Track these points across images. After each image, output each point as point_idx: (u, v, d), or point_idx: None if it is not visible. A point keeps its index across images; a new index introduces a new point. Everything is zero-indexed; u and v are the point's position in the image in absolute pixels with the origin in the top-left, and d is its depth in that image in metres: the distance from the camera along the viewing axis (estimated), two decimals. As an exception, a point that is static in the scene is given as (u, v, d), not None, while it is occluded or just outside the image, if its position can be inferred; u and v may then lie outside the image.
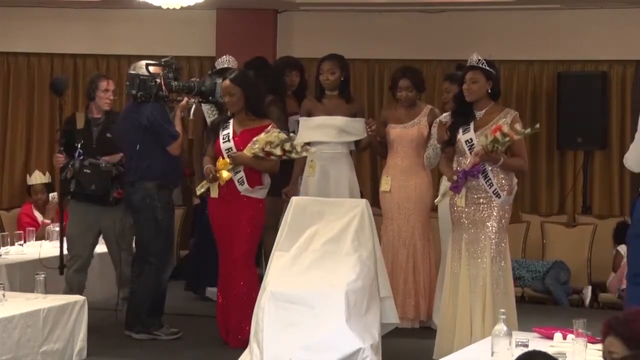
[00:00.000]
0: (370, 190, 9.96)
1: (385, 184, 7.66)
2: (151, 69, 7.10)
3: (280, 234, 6.42)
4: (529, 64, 10.29)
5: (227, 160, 6.89)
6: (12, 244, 7.79)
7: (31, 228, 8.49)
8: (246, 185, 6.90)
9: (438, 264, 7.54)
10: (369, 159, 10.27)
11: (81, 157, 7.45)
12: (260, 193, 7.00)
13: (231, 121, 7.03)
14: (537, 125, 6.48)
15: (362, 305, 5.99)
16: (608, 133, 9.94)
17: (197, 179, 7.91)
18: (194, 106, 7.28)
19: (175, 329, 7.17)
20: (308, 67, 8.77)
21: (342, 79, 7.59)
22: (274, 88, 7.81)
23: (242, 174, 6.90)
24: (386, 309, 6.36)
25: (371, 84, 10.60)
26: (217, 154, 7.00)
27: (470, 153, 6.31)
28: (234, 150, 6.92)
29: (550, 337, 5.08)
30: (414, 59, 9.91)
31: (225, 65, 8.26)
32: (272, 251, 6.40)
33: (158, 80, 7.01)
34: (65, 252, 7.58)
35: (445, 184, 7.29)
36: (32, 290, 6.34)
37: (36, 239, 8.32)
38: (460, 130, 6.39)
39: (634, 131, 5.75)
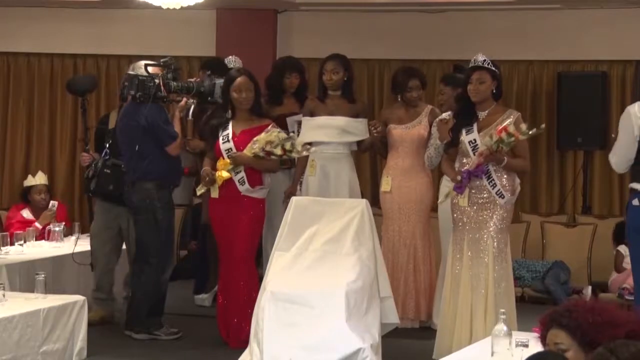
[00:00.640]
0: (370, 190, 9.96)
1: (385, 184, 7.66)
2: (150, 69, 7.10)
3: (280, 234, 6.42)
4: (529, 64, 10.29)
5: (228, 160, 6.90)
6: (12, 243, 7.78)
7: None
8: (247, 185, 6.90)
9: (438, 264, 7.54)
10: (369, 159, 10.27)
11: (107, 157, 7.49)
12: (260, 193, 7.00)
13: (230, 122, 7.04)
14: (543, 126, 6.46)
15: (362, 305, 5.99)
16: (608, 133, 9.92)
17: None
18: (192, 107, 7.28)
19: (175, 329, 7.17)
20: (308, 67, 8.77)
21: (345, 79, 7.58)
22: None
23: (242, 174, 6.90)
24: (386, 309, 6.36)
25: (371, 84, 10.60)
26: (217, 154, 7.00)
27: (474, 154, 6.30)
28: (234, 150, 6.92)
29: (550, 337, 5.07)
30: (414, 59, 9.92)
31: (232, 66, 8.26)
32: (272, 251, 6.41)
33: (157, 81, 7.01)
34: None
35: (445, 184, 7.29)
36: (32, 290, 6.34)
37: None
38: (464, 131, 6.37)
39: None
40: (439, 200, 7.02)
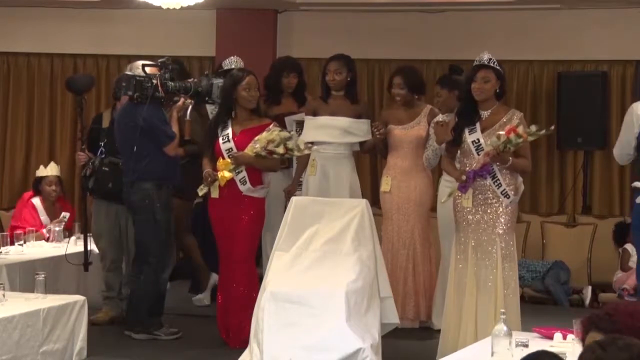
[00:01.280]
0: (370, 190, 9.96)
1: (385, 184, 7.66)
2: (148, 69, 7.10)
3: (280, 234, 6.42)
4: (529, 64, 10.28)
5: (229, 160, 6.89)
6: (12, 243, 7.79)
7: (31, 228, 8.33)
8: (248, 184, 6.90)
9: (438, 265, 7.54)
10: (369, 159, 10.27)
11: (103, 156, 7.49)
12: (261, 192, 7.00)
13: (230, 121, 7.03)
14: (552, 127, 6.47)
15: (362, 305, 5.99)
16: (608, 133, 9.93)
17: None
18: (190, 107, 7.27)
19: (175, 329, 7.18)
20: (308, 67, 8.77)
21: (348, 79, 7.59)
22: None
23: (244, 173, 6.90)
24: (386, 309, 6.36)
25: (371, 84, 10.60)
26: (217, 154, 7.00)
27: (477, 153, 6.25)
28: (235, 150, 6.92)
29: (550, 337, 5.08)
30: (414, 59, 9.91)
31: (233, 66, 8.26)
32: (272, 251, 6.41)
33: (154, 81, 7.01)
34: (95, 250, 7.72)
35: (445, 184, 7.29)
36: (32, 290, 6.34)
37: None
38: (466, 131, 6.34)
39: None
40: (442, 200, 6.99)
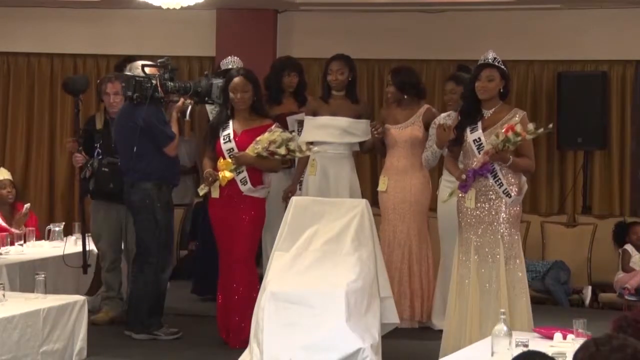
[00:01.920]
0: (370, 190, 9.96)
1: (382, 184, 7.66)
2: (147, 70, 7.10)
3: (280, 234, 6.42)
4: (529, 64, 10.28)
5: (230, 160, 6.89)
6: (12, 243, 7.78)
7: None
8: (249, 185, 6.90)
9: (437, 265, 7.53)
10: (369, 158, 10.27)
11: (100, 157, 7.50)
12: (262, 192, 7.00)
13: (231, 121, 7.03)
14: (550, 126, 6.42)
15: (362, 305, 5.98)
16: (608, 133, 9.94)
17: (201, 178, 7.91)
18: (189, 107, 7.27)
19: (175, 329, 7.18)
20: (308, 67, 8.77)
21: (349, 79, 7.60)
22: None
23: (245, 174, 6.90)
24: (386, 309, 6.36)
25: (371, 84, 10.59)
26: (218, 154, 7.00)
27: (478, 152, 6.22)
28: (236, 150, 6.92)
29: (550, 337, 5.08)
30: (414, 59, 9.91)
31: (231, 66, 8.26)
32: (272, 251, 6.41)
33: (154, 82, 7.00)
34: (95, 250, 7.73)
35: (445, 184, 7.28)
36: (32, 290, 6.34)
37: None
38: (468, 130, 6.31)
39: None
40: (443, 200, 6.97)
